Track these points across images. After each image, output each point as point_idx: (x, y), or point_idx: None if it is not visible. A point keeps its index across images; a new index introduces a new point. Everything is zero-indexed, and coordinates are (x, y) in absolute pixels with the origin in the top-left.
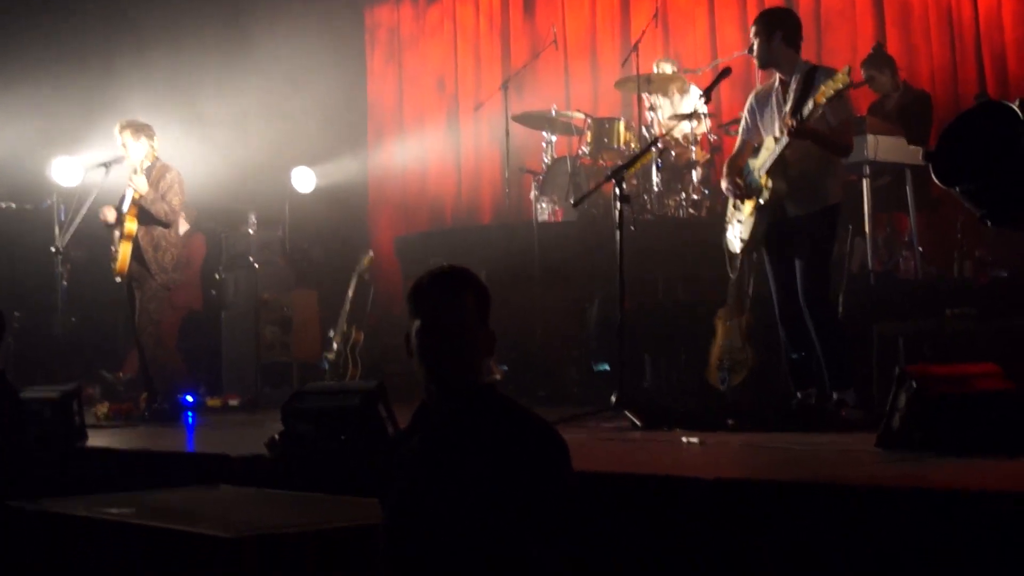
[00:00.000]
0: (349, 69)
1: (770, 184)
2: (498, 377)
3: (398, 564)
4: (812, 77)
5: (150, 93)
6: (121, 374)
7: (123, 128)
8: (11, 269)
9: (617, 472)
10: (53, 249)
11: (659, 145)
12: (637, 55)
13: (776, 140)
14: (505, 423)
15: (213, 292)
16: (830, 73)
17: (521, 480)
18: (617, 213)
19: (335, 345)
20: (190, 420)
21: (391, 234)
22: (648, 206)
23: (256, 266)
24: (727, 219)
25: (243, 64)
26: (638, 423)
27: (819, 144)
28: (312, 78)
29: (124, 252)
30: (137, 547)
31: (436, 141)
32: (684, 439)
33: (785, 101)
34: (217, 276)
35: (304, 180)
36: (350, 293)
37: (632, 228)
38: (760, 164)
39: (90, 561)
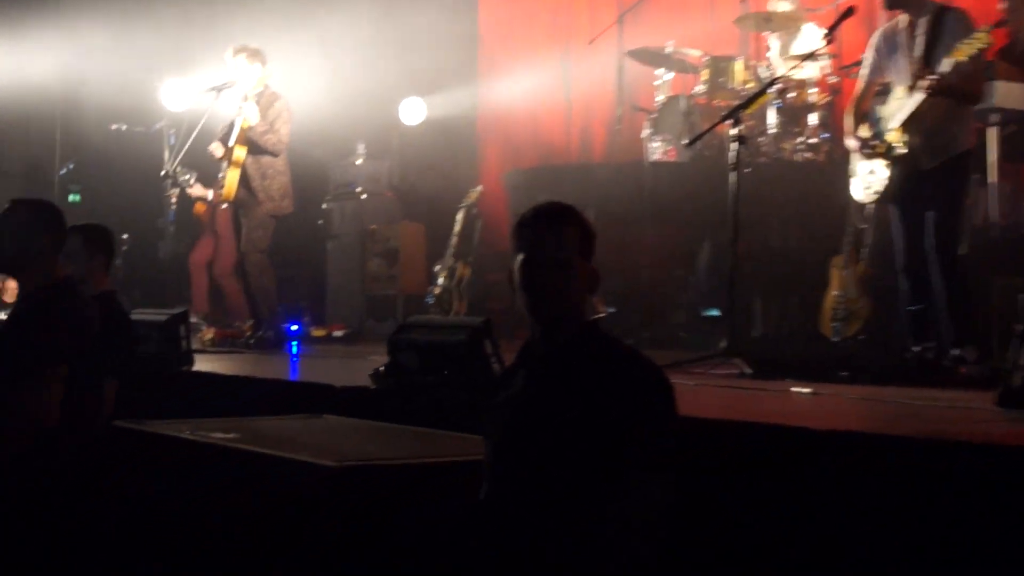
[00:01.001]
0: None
1: (905, 138)
2: (602, 314)
3: (499, 500)
4: (941, 20)
5: (266, 15)
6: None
7: (237, 53)
8: (122, 192)
9: (724, 419)
10: (163, 173)
11: (777, 86)
12: None
13: (909, 92)
14: (609, 361)
15: (320, 221)
16: (961, 18)
17: (624, 419)
18: (732, 154)
19: (441, 280)
20: (295, 349)
21: (500, 169)
22: (763, 148)
23: (363, 197)
24: (850, 169)
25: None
26: (748, 371)
27: (952, 97)
28: (424, 6)
29: (232, 179)
30: (240, 472)
31: (547, 75)
32: (795, 389)
33: (912, 43)
34: (324, 205)
35: (414, 111)
36: (457, 227)
37: (747, 170)
38: (890, 114)
39: (193, 483)
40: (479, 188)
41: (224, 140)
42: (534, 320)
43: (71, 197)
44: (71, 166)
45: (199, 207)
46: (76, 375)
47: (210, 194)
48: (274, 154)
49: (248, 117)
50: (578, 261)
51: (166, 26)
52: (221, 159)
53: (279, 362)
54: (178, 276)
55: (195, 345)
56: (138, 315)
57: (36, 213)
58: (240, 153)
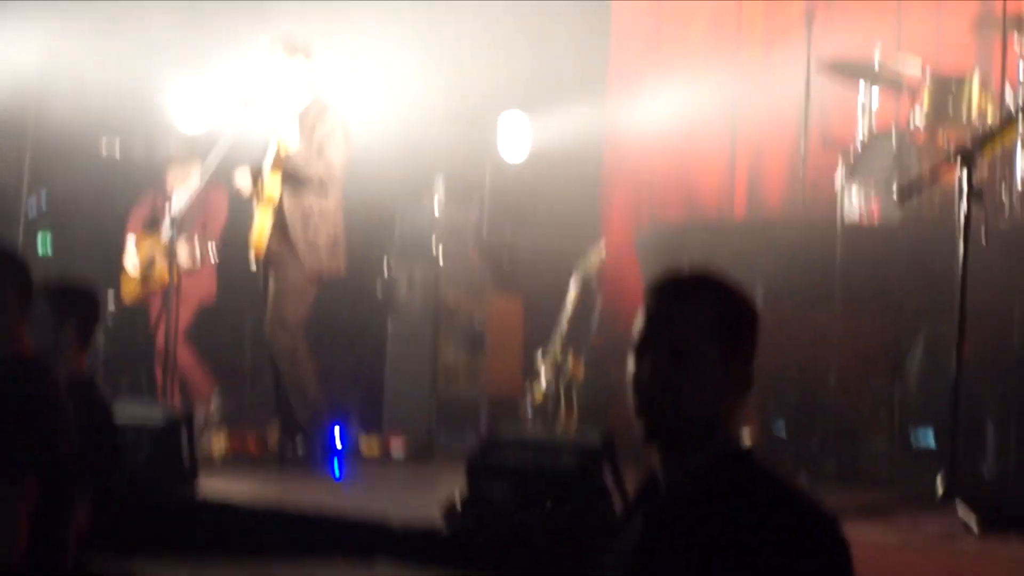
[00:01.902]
0: None
1: None
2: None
3: None
4: None
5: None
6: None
7: (274, 45)
8: (110, 236)
9: None
10: (168, 219)
11: None
12: None
13: None
14: (761, 508)
15: (378, 290)
16: None
17: None
18: (963, 215)
19: (544, 378)
20: (337, 468)
21: (631, 224)
22: (1008, 208)
23: (439, 257)
24: None
25: None
26: (974, 525)
27: None
28: None
29: (262, 223)
30: None
31: (704, 93)
32: None
33: None
34: (385, 268)
35: (514, 137)
36: (569, 306)
37: (983, 238)
38: None
39: None
40: (601, 250)
41: (256, 169)
42: (644, 440)
43: (41, 242)
44: (43, 196)
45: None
46: (48, 496)
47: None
48: (322, 191)
49: (285, 139)
50: (713, 354)
51: (177, 13)
52: (251, 195)
53: (316, 486)
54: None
55: (201, 457)
56: (126, 414)
57: None
58: (274, 188)
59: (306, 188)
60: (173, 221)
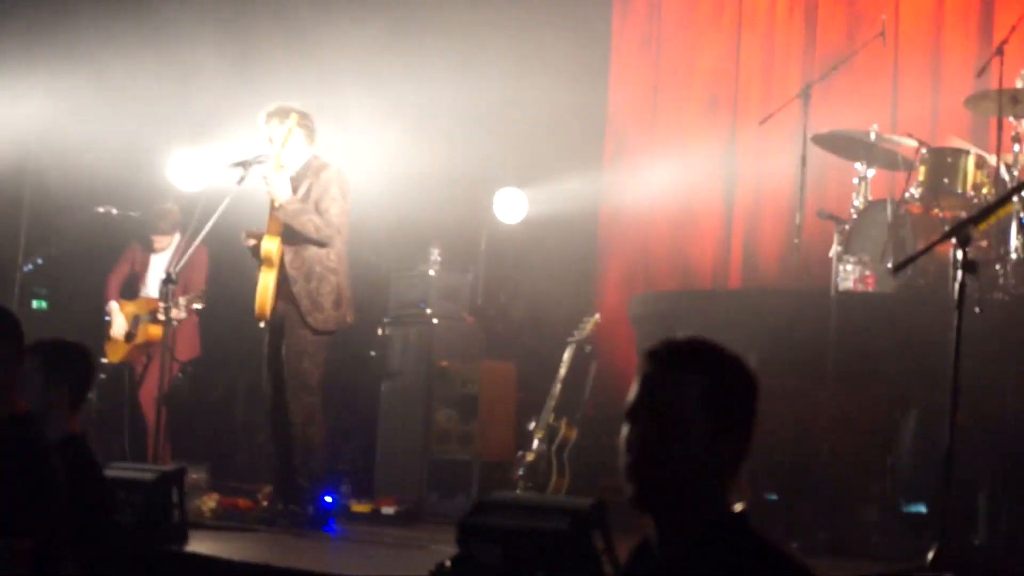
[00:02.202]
0: (585, 60)
1: None
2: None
3: None
4: None
5: (302, 75)
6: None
7: (270, 117)
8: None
9: None
10: (163, 276)
11: None
12: (1001, 62)
13: None
14: (745, 570)
15: (372, 353)
16: None
17: None
18: (957, 287)
19: (536, 442)
20: (328, 528)
21: (626, 291)
22: (1002, 280)
23: (434, 322)
24: None
25: (432, 41)
26: None
27: None
28: (532, 69)
29: (263, 285)
30: None
31: (700, 165)
32: None
33: None
34: (379, 331)
35: (510, 206)
36: (563, 371)
37: (977, 310)
38: None
39: None
40: (596, 317)
41: (257, 232)
42: (631, 504)
43: (35, 303)
44: (39, 262)
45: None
46: (39, 553)
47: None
48: (320, 243)
49: (275, 192)
50: (700, 424)
51: (176, 82)
52: (254, 252)
53: (307, 547)
54: (178, 417)
55: (191, 516)
56: (116, 471)
57: None
58: (270, 246)
59: (303, 242)
60: (168, 279)
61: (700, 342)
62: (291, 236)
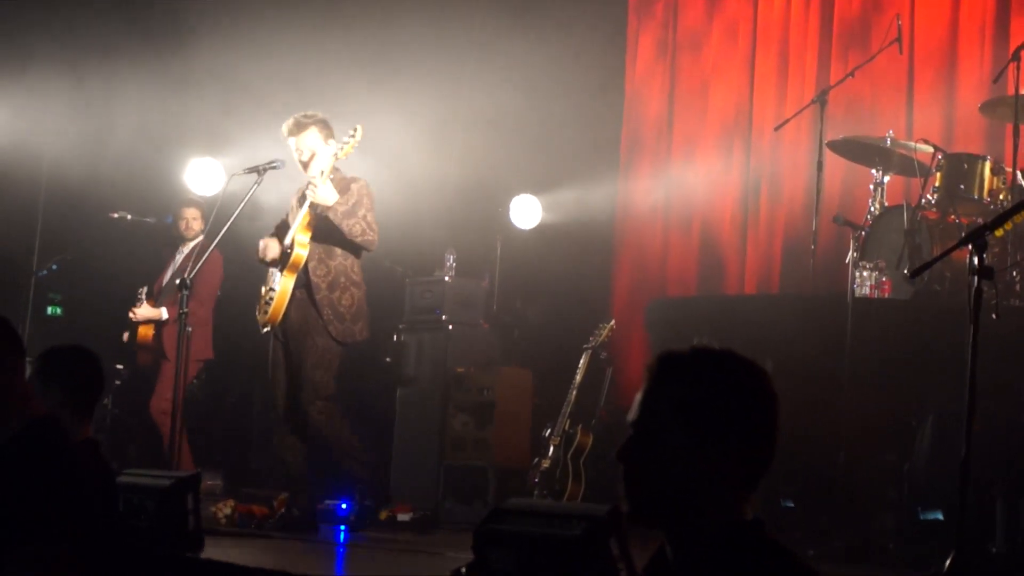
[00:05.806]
0: (601, 68)
1: None
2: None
3: None
4: None
5: (320, 82)
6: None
7: (292, 128)
8: (119, 304)
9: None
10: (177, 282)
11: None
12: (1019, 68)
13: None
14: None
15: (388, 359)
16: None
17: None
18: (973, 292)
19: (552, 449)
20: (342, 536)
21: (642, 298)
22: (1018, 286)
23: (450, 328)
24: None
25: (448, 49)
26: None
27: None
28: (548, 77)
29: (283, 289)
30: None
31: (716, 171)
32: None
33: None
34: (395, 338)
35: (526, 213)
36: (578, 377)
37: (994, 316)
38: None
39: None
40: (611, 323)
41: (280, 236)
42: (628, 522)
43: (50, 309)
44: (53, 268)
45: (144, 332)
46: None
47: (163, 312)
48: (359, 249)
49: (322, 197)
50: (675, 434)
51: (193, 89)
52: (272, 263)
53: (321, 554)
54: (193, 426)
55: (207, 523)
56: (130, 477)
57: None
58: (300, 253)
59: (339, 246)
60: (183, 284)
61: (695, 352)
62: (323, 236)
